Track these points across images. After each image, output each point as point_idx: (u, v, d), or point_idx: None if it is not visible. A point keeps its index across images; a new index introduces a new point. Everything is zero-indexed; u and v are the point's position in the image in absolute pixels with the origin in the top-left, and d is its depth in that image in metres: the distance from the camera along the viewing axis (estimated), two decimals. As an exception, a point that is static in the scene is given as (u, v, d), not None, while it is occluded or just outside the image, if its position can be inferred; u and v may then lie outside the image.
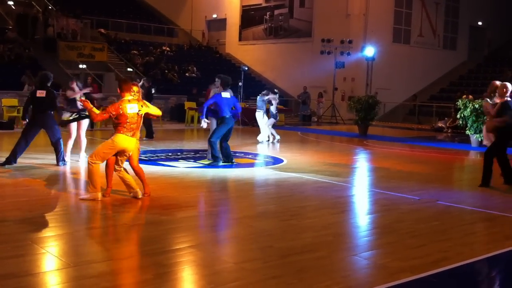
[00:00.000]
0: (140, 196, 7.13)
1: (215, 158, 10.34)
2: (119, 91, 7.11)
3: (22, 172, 9.11)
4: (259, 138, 15.49)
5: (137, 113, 7.06)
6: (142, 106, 7.16)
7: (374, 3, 28.04)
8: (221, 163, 10.35)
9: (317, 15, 29.31)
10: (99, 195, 6.94)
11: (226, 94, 10.29)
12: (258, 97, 15.76)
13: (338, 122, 25.28)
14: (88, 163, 6.96)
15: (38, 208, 6.72)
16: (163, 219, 6.34)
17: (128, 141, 7.01)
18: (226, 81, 10.36)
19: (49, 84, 9.86)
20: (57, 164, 9.81)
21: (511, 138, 8.97)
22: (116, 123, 6.98)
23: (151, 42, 31.41)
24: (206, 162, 10.63)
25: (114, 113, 6.92)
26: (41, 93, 9.61)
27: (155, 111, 7.48)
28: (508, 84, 8.96)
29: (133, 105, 7.03)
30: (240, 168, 10.56)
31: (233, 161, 10.61)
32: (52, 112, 9.86)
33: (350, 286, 4.41)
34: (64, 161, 9.96)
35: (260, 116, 15.61)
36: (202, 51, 33.88)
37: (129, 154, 7.16)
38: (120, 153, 7.09)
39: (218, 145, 10.35)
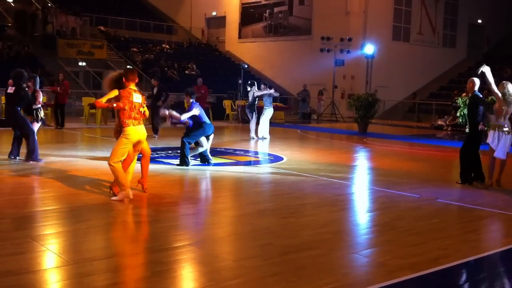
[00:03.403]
0: (131, 197, 6.95)
1: (183, 159, 9.92)
2: (124, 80, 7.00)
3: (20, 169, 9.10)
4: (265, 134, 15.62)
5: (140, 104, 7.00)
6: (144, 99, 7.16)
7: (374, 0, 27.97)
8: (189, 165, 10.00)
9: (317, 13, 29.27)
10: (130, 193, 6.88)
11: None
12: (264, 94, 15.73)
13: (338, 120, 25.27)
14: (109, 165, 6.88)
15: (37, 205, 6.72)
16: (163, 217, 6.34)
17: (138, 131, 6.98)
18: (192, 91, 10.42)
19: (22, 82, 9.73)
20: (27, 161, 9.69)
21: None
22: (121, 116, 6.89)
23: (150, 40, 31.36)
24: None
25: (125, 101, 6.85)
26: (10, 89, 9.61)
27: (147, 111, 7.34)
28: (474, 79, 9.00)
29: (138, 95, 7.02)
30: (239, 166, 10.56)
31: (210, 161, 10.30)
32: (19, 109, 9.73)
33: (349, 283, 4.41)
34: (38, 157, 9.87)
35: (269, 113, 15.79)
36: (202, 48, 33.83)
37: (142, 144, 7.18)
38: (135, 145, 7.07)
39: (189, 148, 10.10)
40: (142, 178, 7.51)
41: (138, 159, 7.58)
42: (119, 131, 7.19)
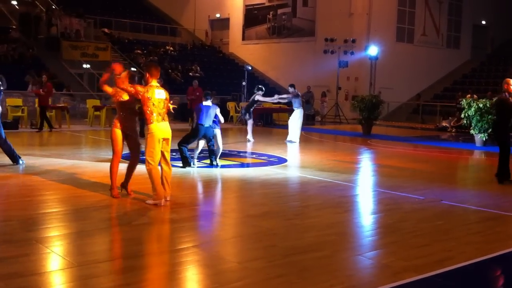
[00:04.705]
0: (162, 204, 6.86)
1: (185, 160, 10.06)
2: (147, 75, 6.95)
3: (25, 172, 9.12)
4: (293, 138, 15.39)
5: (164, 100, 6.95)
6: (168, 94, 7.10)
7: (377, 2, 27.97)
8: (193, 166, 10.09)
9: (320, 14, 29.27)
10: (162, 200, 6.85)
11: (207, 103, 10.29)
12: (293, 97, 15.64)
13: (342, 122, 25.26)
14: (147, 170, 6.87)
15: (42, 207, 6.74)
16: (167, 219, 6.35)
17: (162, 128, 6.89)
18: (207, 93, 10.47)
19: None
20: (16, 164, 9.60)
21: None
22: (144, 113, 6.84)
23: (154, 42, 31.43)
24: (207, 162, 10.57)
25: (140, 93, 6.75)
26: None
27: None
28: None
29: (161, 91, 6.95)
30: (243, 168, 10.56)
31: (215, 163, 10.31)
32: None
33: (353, 285, 4.41)
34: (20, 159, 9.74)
35: (296, 115, 15.53)
36: (205, 50, 33.87)
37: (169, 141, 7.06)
38: (163, 144, 6.99)
39: (188, 147, 10.21)
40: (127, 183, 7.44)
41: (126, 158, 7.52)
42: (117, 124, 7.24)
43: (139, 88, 6.85)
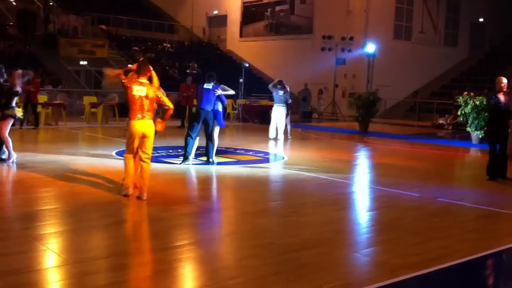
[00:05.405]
0: (130, 193, 6.97)
1: (185, 156, 10.04)
2: (135, 72, 6.99)
3: (21, 169, 9.11)
4: (288, 134, 15.25)
5: (144, 97, 6.81)
6: (154, 92, 6.94)
7: (375, -1, 27.99)
8: (189, 163, 10.02)
9: (318, 12, 29.24)
10: (130, 189, 6.95)
11: (208, 86, 10.16)
12: (275, 91, 15.05)
13: (339, 119, 25.26)
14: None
15: (38, 205, 6.73)
16: (164, 216, 6.35)
17: (140, 125, 6.84)
18: (210, 75, 10.31)
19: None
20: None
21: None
22: (128, 106, 6.97)
23: (152, 39, 31.37)
24: (204, 159, 10.55)
25: (124, 81, 6.94)
26: None
27: (168, 102, 7.10)
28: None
29: (141, 88, 6.83)
30: (240, 165, 10.56)
31: (211, 160, 10.24)
32: None
33: (350, 282, 4.41)
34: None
35: (281, 111, 15.01)
36: (203, 47, 33.82)
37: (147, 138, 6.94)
38: (140, 142, 6.95)
39: (195, 142, 10.17)
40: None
41: None
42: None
43: (124, 77, 7.00)
